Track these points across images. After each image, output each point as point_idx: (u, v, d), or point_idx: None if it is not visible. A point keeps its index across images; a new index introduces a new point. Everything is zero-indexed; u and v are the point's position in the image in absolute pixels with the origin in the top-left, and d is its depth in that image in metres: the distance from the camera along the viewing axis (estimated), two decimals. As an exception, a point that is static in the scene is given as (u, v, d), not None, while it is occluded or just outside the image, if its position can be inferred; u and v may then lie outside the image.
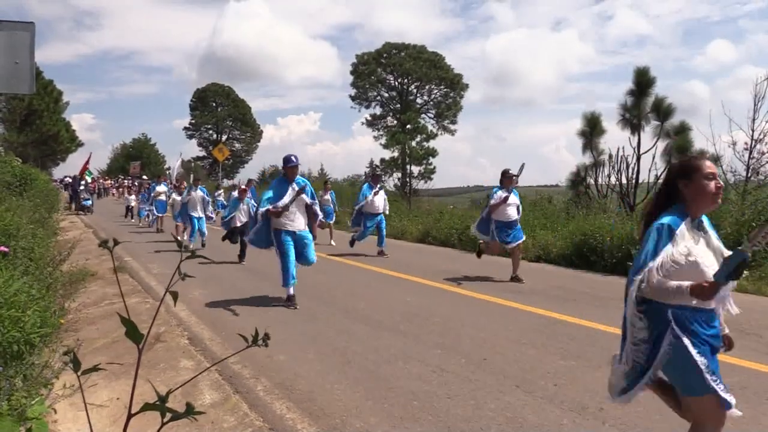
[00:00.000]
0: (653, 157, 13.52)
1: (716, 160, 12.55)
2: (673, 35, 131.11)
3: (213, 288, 7.99)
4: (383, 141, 43.75)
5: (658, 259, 2.39)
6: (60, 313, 5.30)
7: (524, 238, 8.67)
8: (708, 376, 2.32)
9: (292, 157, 6.92)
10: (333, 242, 13.87)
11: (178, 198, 14.04)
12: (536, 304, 6.83)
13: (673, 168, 2.67)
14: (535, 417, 3.57)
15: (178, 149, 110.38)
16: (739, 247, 2.23)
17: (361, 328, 5.82)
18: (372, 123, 48.37)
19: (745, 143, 11.80)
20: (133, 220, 22.03)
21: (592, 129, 14.35)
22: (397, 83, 47.77)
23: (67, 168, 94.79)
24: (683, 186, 2.53)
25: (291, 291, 6.82)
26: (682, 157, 2.62)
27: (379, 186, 11.94)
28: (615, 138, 26.64)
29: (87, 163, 32.50)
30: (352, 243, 11.99)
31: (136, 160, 53.74)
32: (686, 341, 2.34)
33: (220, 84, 62.66)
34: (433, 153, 43.06)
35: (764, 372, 4.38)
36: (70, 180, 29.35)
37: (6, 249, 5.01)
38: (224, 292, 7.74)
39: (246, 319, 6.23)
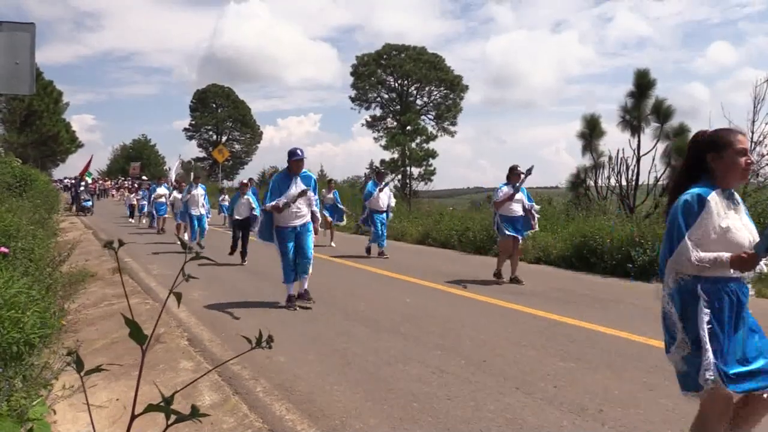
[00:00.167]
0: (653, 159, 13.53)
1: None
2: (673, 37, 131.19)
3: (213, 289, 7.99)
4: (383, 142, 43.82)
5: (691, 229, 2.32)
6: (60, 314, 5.30)
7: (524, 236, 8.70)
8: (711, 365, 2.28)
9: (298, 150, 6.83)
10: (333, 243, 13.86)
11: (179, 196, 14.06)
12: (536, 305, 6.83)
13: (701, 140, 2.52)
14: (534, 418, 3.57)
15: (178, 150, 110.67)
16: None
17: (360, 329, 5.82)
18: (372, 124, 48.45)
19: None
20: (132, 221, 21.99)
21: (591, 131, 14.35)
22: (397, 84, 47.85)
23: (67, 169, 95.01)
24: (712, 159, 2.43)
25: (291, 291, 6.82)
26: (713, 130, 2.52)
27: (384, 183, 11.93)
28: (615, 140, 26.63)
29: (88, 164, 32.52)
30: (368, 250, 11.73)
31: (136, 161, 53.75)
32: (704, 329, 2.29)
33: (220, 85, 62.84)
34: (433, 154, 43.12)
35: (764, 374, 4.38)
36: (73, 181, 29.27)
37: (6, 250, 5.01)
38: (224, 293, 7.74)
39: (246, 321, 6.23)
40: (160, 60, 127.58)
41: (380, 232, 11.45)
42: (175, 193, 15.16)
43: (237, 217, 10.89)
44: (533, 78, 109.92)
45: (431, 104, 48.38)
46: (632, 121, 13.82)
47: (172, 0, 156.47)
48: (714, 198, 2.36)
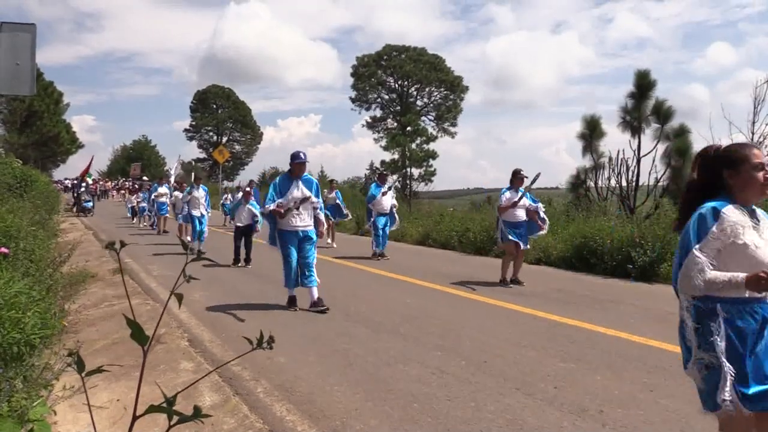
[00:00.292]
0: (653, 160, 13.54)
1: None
2: (673, 38, 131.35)
3: (214, 290, 7.99)
4: (383, 143, 43.82)
5: (702, 244, 2.22)
6: (60, 314, 5.30)
7: (527, 246, 8.55)
8: (728, 385, 2.18)
9: (301, 154, 6.79)
10: (334, 244, 13.86)
11: (180, 195, 14.01)
12: (536, 306, 6.83)
13: (715, 156, 2.42)
14: (535, 419, 3.57)
15: (179, 151, 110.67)
16: None
17: (361, 330, 5.82)
18: (372, 125, 48.46)
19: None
20: (134, 222, 21.97)
21: (591, 132, 14.36)
22: (397, 85, 47.86)
23: (68, 170, 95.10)
24: (729, 176, 2.35)
25: (292, 293, 6.81)
26: (726, 146, 2.41)
27: (387, 186, 11.91)
28: (615, 141, 26.68)
29: (89, 165, 32.54)
30: (374, 255, 11.61)
31: (137, 162, 53.71)
32: (722, 348, 2.19)
33: (221, 86, 62.85)
34: (433, 155, 43.12)
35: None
36: (74, 182, 29.24)
37: (7, 250, 5.02)
38: (225, 294, 7.74)
39: (246, 322, 6.23)
40: (161, 61, 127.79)
41: (382, 234, 11.46)
42: (177, 194, 15.12)
43: (238, 224, 10.79)
44: (533, 79, 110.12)
45: (431, 105, 48.39)
46: (632, 122, 13.83)
47: (173, 1, 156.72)
48: (730, 211, 2.27)
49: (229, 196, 20.73)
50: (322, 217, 7.06)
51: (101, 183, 46.22)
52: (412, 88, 47.90)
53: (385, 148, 42.86)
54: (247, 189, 11.83)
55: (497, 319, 6.27)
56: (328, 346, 5.23)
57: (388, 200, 11.68)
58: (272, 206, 6.61)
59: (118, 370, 4.38)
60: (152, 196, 17.92)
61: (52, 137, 41.73)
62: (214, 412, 3.72)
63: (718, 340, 2.22)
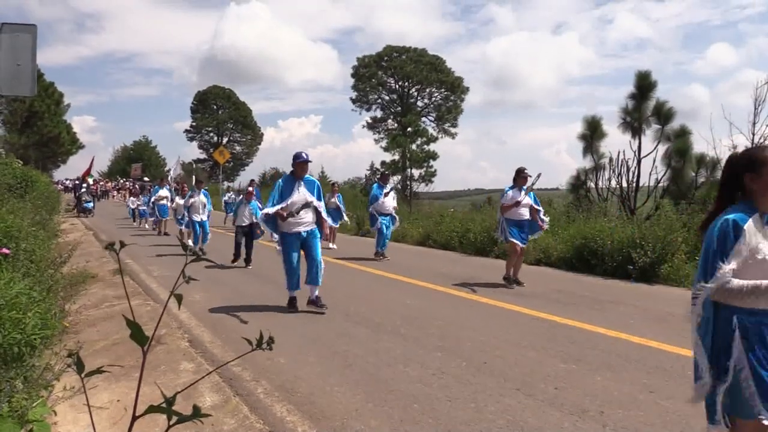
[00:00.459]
0: (654, 161, 13.53)
1: (716, 164, 12.56)
2: (673, 39, 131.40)
3: (214, 291, 8.00)
4: (384, 144, 43.81)
5: (727, 258, 2.17)
6: (61, 315, 5.31)
7: (526, 245, 8.56)
8: (757, 401, 2.13)
9: (303, 154, 6.74)
10: (334, 245, 13.85)
11: (181, 201, 13.92)
12: (536, 307, 6.83)
13: (737, 160, 2.38)
14: (535, 420, 3.57)
15: (179, 152, 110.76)
16: None
17: (361, 330, 5.82)
18: (372, 126, 48.50)
19: (746, 147, 11.79)
20: (135, 223, 21.96)
21: (592, 132, 14.35)
22: (397, 86, 47.90)
23: (68, 170, 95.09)
24: (750, 180, 2.28)
25: (293, 294, 6.81)
26: (748, 149, 2.37)
27: (390, 187, 11.87)
28: (615, 142, 26.70)
29: (90, 165, 32.59)
30: (376, 254, 11.57)
31: (137, 163, 53.75)
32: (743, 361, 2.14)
33: (221, 86, 62.85)
34: (433, 156, 43.09)
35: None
36: (76, 182, 29.19)
37: (8, 251, 5.02)
38: (225, 295, 7.75)
39: (247, 322, 6.23)
40: (161, 61, 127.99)
41: (384, 235, 11.45)
42: (178, 199, 15.01)
43: (241, 224, 10.75)
44: (534, 79, 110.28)
45: (432, 106, 48.43)
46: (633, 123, 13.82)
47: (173, 1, 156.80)
48: (750, 226, 2.21)
49: (233, 195, 20.69)
50: (326, 217, 7.03)
51: (102, 183, 46.24)
52: (413, 89, 47.94)
53: (386, 149, 42.84)
54: (249, 189, 11.80)
55: (498, 320, 6.27)
56: (329, 347, 5.23)
57: (390, 201, 11.67)
58: (273, 210, 6.56)
59: (118, 371, 4.39)
60: (152, 199, 17.84)
61: (52, 138, 41.79)
62: (215, 413, 3.72)
63: (732, 355, 2.17)
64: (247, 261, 10.61)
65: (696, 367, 2.29)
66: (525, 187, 8.26)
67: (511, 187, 8.37)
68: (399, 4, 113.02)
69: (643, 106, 13.70)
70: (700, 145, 13.93)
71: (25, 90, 6.34)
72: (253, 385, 4.24)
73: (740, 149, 2.45)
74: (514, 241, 8.20)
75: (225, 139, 61.47)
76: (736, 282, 2.16)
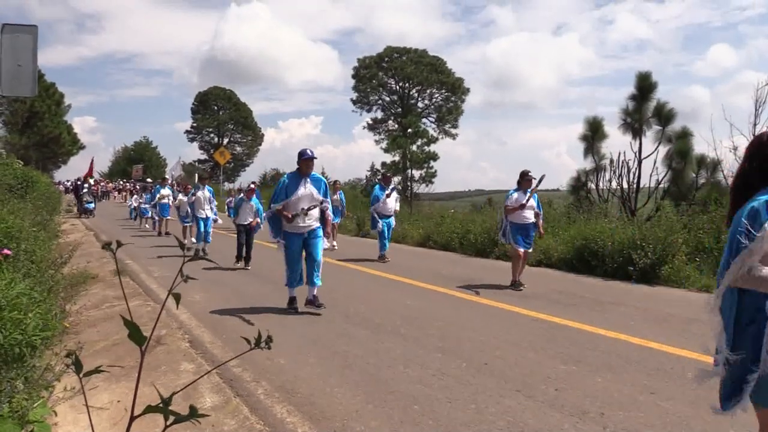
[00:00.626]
0: (654, 162, 13.55)
1: (717, 165, 12.56)
2: (673, 40, 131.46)
3: (214, 291, 8.00)
4: (384, 145, 43.83)
5: (756, 241, 2.05)
6: (61, 315, 5.31)
7: (530, 249, 8.50)
8: None
9: (308, 150, 6.65)
10: (335, 245, 13.84)
11: (184, 198, 13.79)
12: (537, 308, 6.82)
13: (766, 142, 2.26)
14: (535, 421, 3.56)
15: (180, 152, 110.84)
16: None
17: (361, 331, 5.82)
18: (373, 127, 48.53)
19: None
20: (135, 222, 21.90)
21: (594, 133, 14.36)
22: (398, 87, 47.92)
23: (69, 171, 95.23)
24: None
25: (293, 294, 6.80)
26: None
27: (391, 188, 11.81)
28: (616, 143, 26.68)
29: (91, 167, 32.64)
30: (380, 258, 11.44)
31: (138, 163, 53.75)
32: None
33: (222, 87, 62.94)
34: (434, 157, 43.14)
35: (765, 377, 4.37)
36: (79, 183, 29.08)
37: (9, 252, 5.02)
38: (226, 296, 7.74)
39: (247, 323, 6.23)
40: (162, 62, 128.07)
41: (386, 236, 11.41)
42: (181, 196, 14.93)
43: (241, 223, 10.69)
44: (534, 80, 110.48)
45: (432, 107, 48.46)
46: (634, 124, 13.83)
47: (173, 2, 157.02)
48: None
49: (233, 199, 20.64)
50: (330, 216, 7.01)
51: (102, 184, 46.26)
52: (413, 90, 47.96)
53: (386, 150, 42.89)
54: (251, 186, 11.76)
55: (498, 321, 6.26)
56: (329, 348, 5.23)
57: (392, 202, 11.62)
58: (278, 206, 6.52)
59: (119, 371, 4.39)
60: (155, 198, 17.79)
61: (53, 138, 41.85)
62: (215, 414, 3.72)
63: (765, 342, 2.10)
64: (247, 261, 10.57)
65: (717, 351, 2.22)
66: (529, 190, 8.18)
67: (516, 190, 8.28)
68: (399, 5, 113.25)
69: (644, 107, 13.72)
70: (700, 146, 13.94)
71: (25, 90, 6.35)
72: (253, 386, 4.24)
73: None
74: (518, 248, 8.15)
75: (225, 140, 61.52)
76: (763, 270, 2.05)
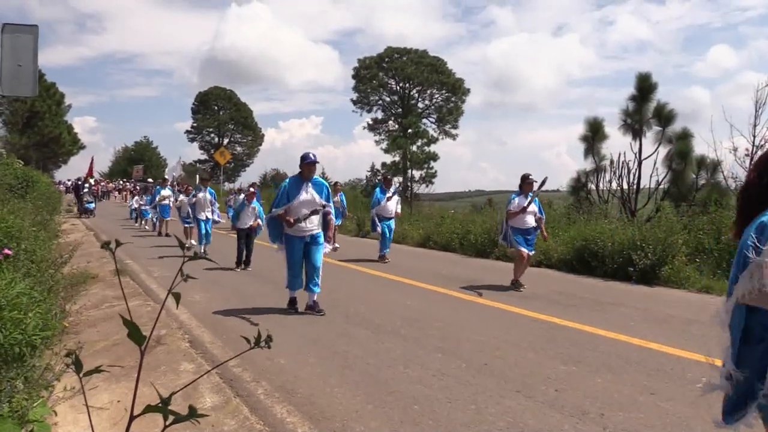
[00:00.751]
0: (654, 163, 13.55)
1: (717, 166, 12.56)
2: (674, 41, 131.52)
3: (215, 292, 7.99)
4: (384, 145, 43.84)
5: (764, 254, 1.93)
6: (61, 315, 5.31)
7: (532, 252, 8.44)
8: None
9: (311, 154, 6.61)
10: (337, 246, 13.82)
11: (185, 199, 13.70)
12: (537, 308, 6.82)
13: None
14: (535, 422, 3.56)
15: (180, 152, 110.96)
16: None
17: (361, 332, 5.82)
18: (373, 127, 48.51)
19: (746, 149, 11.80)
20: (136, 224, 21.87)
21: (594, 134, 14.36)
22: (398, 87, 47.90)
23: (69, 171, 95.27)
24: None
25: (293, 295, 6.79)
26: None
27: (392, 191, 11.72)
28: (616, 144, 26.71)
29: (91, 167, 32.66)
30: (380, 258, 11.40)
31: (138, 164, 53.77)
32: None
33: (222, 87, 62.91)
34: (434, 157, 43.14)
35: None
36: (79, 183, 29.02)
37: (9, 251, 5.02)
38: (226, 296, 7.74)
39: (247, 323, 6.23)
40: (162, 62, 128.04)
41: (387, 237, 11.37)
42: (182, 197, 14.82)
43: (242, 227, 10.53)
44: (534, 81, 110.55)
45: (433, 107, 48.42)
46: (634, 125, 13.84)
47: (174, 2, 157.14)
48: None
49: (234, 197, 20.63)
50: (333, 221, 6.98)
51: (103, 184, 46.27)
52: (414, 91, 47.93)
53: (386, 151, 42.89)
54: (251, 190, 11.70)
55: (498, 322, 6.26)
56: (329, 348, 5.23)
57: (392, 204, 11.55)
58: (280, 211, 6.48)
59: (119, 372, 4.39)
60: (155, 199, 17.73)
61: (53, 138, 41.87)
62: (215, 414, 3.72)
63: None
64: (247, 263, 10.51)
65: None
66: (531, 193, 8.08)
67: (518, 194, 8.18)
68: (400, 6, 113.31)
69: (644, 108, 13.72)
70: (700, 147, 13.94)
71: (26, 90, 6.35)
72: (253, 386, 4.24)
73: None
74: (521, 249, 8.09)
75: (226, 140, 61.52)
76: None
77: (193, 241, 13.01)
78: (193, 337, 5.64)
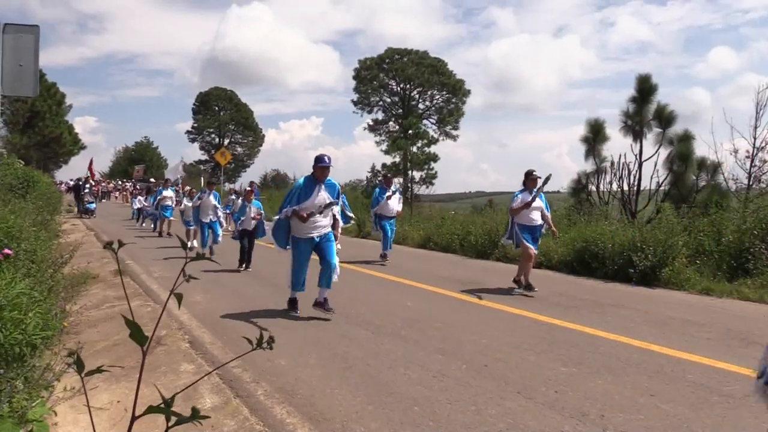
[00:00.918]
0: (655, 164, 13.54)
1: (717, 167, 12.56)
2: (675, 42, 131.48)
3: (215, 292, 7.99)
4: (385, 146, 43.84)
5: None
6: (61, 315, 5.31)
7: (536, 251, 8.34)
8: None
9: (325, 158, 6.54)
10: (339, 246, 13.76)
11: (189, 204, 13.54)
12: (537, 310, 6.82)
13: None
14: (536, 423, 3.56)
15: (180, 153, 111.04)
16: None
17: (361, 333, 5.82)
18: (374, 128, 48.56)
19: (747, 151, 11.80)
20: (143, 225, 21.78)
21: (595, 135, 14.35)
22: (399, 88, 47.95)
23: (69, 171, 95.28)
24: None
25: (294, 295, 6.77)
26: None
27: (392, 190, 11.58)
28: (617, 145, 26.71)
29: (91, 168, 32.67)
30: (382, 256, 11.34)
31: (139, 164, 53.76)
32: None
33: (223, 88, 62.98)
34: (434, 158, 43.11)
35: (766, 380, 4.36)
36: (80, 183, 28.97)
37: (9, 251, 5.02)
38: (226, 297, 7.74)
39: (247, 324, 6.22)
40: (163, 62, 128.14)
41: (388, 236, 11.27)
42: (185, 201, 14.62)
43: (245, 228, 10.40)
44: (535, 82, 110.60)
45: (433, 108, 48.47)
46: (634, 126, 13.83)
47: (175, 3, 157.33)
48: None
49: (232, 199, 20.58)
50: (340, 220, 6.95)
51: (103, 184, 46.26)
52: (414, 92, 47.98)
53: (387, 152, 42.86)
54: (248, 188, 11.62)
55: (498, 323, 6.26)
56: (329, 349, 5.23)
57: (394, 203, 11.40)
58: (293, 209, 6.40)
59: (118, 372, 4.39)
60: (157, 199, 17.68)
61: (54, 138, 41.88)
62: (215, 414, 3.72)
63: None
64: (247, 264, 10.48)
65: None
66: (535, 190, 7.96)
67: (522, 191, 8.06)
68: (400, 7, 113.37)
69: (644, 109, 13.72)
70: (701, 148, 13.92)
71: (27, 90, 6.36)
72: (253, 387, 4.24)
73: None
74: (529, 245, 7.93)
75: (226, 141, 61.55)
76: None
77: (195, 243, 12.93)
78: (193, 337, 5.64)
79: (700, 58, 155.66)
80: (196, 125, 61.90)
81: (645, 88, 13.73)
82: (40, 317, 4.10)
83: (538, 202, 7.97)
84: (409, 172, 41.90)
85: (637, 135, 13.81)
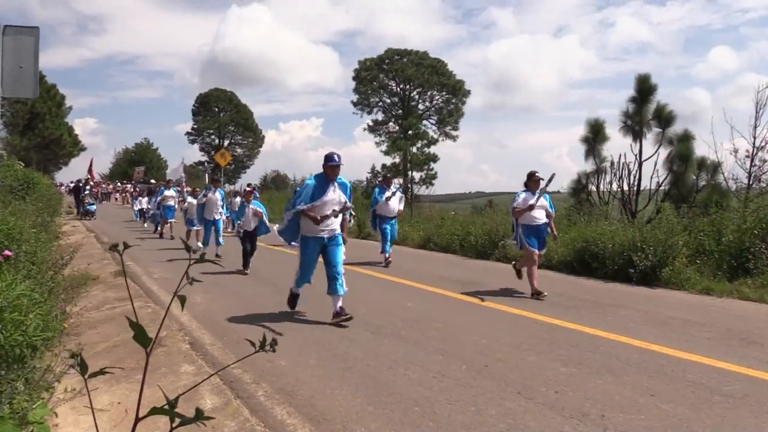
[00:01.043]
0: (655, 164, 13.54)
1: (717, 167, 12.56)
2: (674, 43, 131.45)
3: (215, 293, 8.00)
4: (384, 147, 43.88)
5: None
6: (62, 317, 5.31)
7: (543, 252, 8.29)
8: None
9: (335, 156, 6.46)
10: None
11: (193, 201, 13.41)
12: (537, 310, 6.82)
13: None
14: (536, 424, 3.56)
15: (181, 154, 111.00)
16: None
17: (362, 333, 5.82)
18: (374, 129, 48.60)
19: (747, 151, 11.81)
20: (140, 224, 21.71)
21: (595, 135, 14.36)
22: (399, 89, 47.99)
23: (70, 172, 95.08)
24: None
25: (297, 291, 6.68)
26: None
27: (393, 190, 11.40)
28: (616, 145, 26.71)
29: (90, 169, 32.70)
30: (385, 260, 11.06)
31: (139, 165, 53.74)
32: None
33: (223, 89, 63.08)
34: (434, 158, 43.20)
35: (766, 380, 4.37)
36: (80, 184, 28.93)
37: (10, 253, 5.03)
38: (226, 298, 7.75)
39: (247, 325, 6.23)
40: (163, 64, 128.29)
41: (388, 237, 11.11)
42: (189, 199, 14.39)
43: (247, 229, 10.25)
44: (535, 82, 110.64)
45: (433, 109, 48.51)
46: (634, 126, 13.84)
47: (175, 4, 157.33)
48: None
49: (231, 200, 20.55)
50: (347, 221, 6.92)
51: (104, 186, 46.25)
52: (414, 92, 48.02)
53: (386, 153, 42.91)
54: (247, 189, 11.54)
55: (498, 323, 6.26)
56: (329, 350, 5.23)
57: (395, 203, 11.24)
58: (305, 207, 6.29)
59: (119, 373, 4.39)
60: (158, 199, 17.55)
61: (54, 140, 41.86)
62: (215, 416, 3.71)
63: None
64: (245, 265, 10.41)
65: None
66: (538, 191, 7.85)
67: (524, 191, 7.96)
68: (400, 7, 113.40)
69: (644, 109, 13.72)
70: (701, 148, 13.92)
71: (27, 92, 6.36)
72: (253, 388, 4.24)
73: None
74: (533, 249, 7.81)
75: (226, 142, 61.59)
76: None
77: (200, 243, 12.81)
78: (194, 338, 5.64)
79: (699, 58, 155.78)
80: (196, 126, 61.95)
81: (645, 88, 13.74)
82: (41, 319, 4.11)
83: (542, 201, 7.88)
84: (409, 172, 41.96)
85: (637, 135, 13.82)
